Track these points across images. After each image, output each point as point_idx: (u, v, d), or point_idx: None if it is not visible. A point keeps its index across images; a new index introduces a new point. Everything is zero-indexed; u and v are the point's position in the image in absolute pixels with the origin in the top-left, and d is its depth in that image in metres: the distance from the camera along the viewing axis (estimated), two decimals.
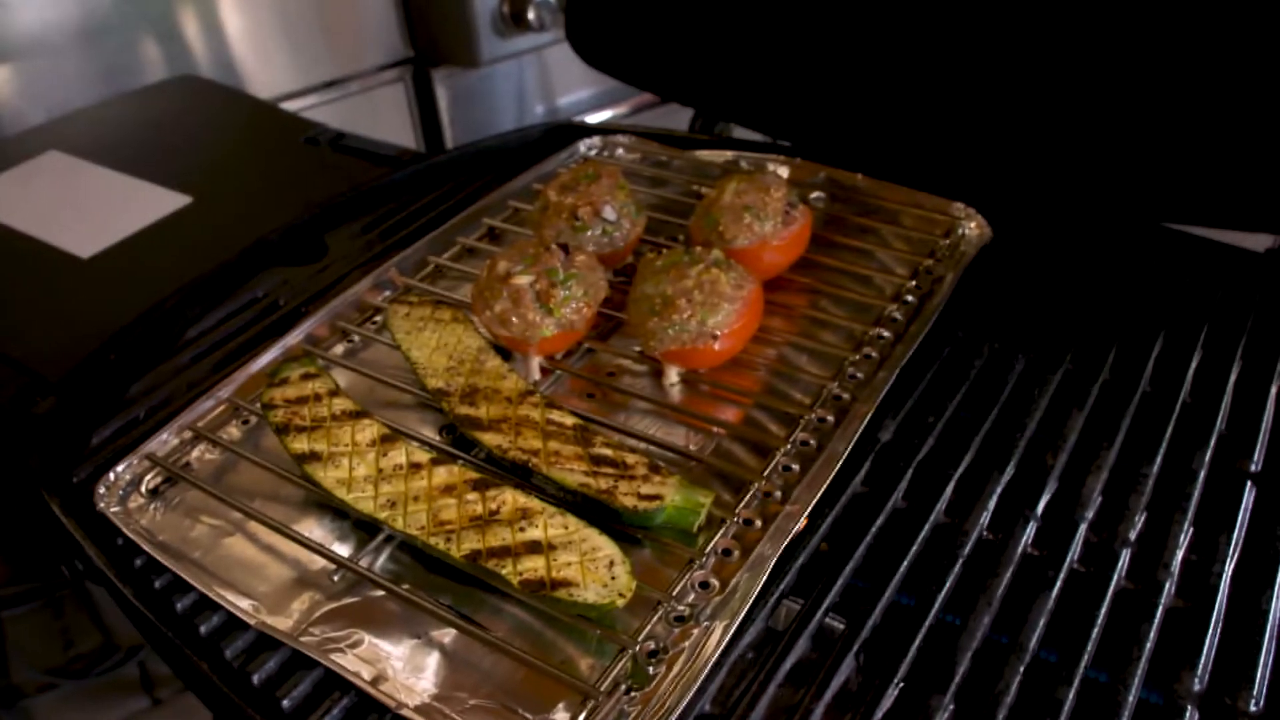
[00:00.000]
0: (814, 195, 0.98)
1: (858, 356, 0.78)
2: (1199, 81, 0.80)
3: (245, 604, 0.62)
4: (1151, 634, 0.59)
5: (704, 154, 1.05)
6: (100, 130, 1.31)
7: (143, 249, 1.02)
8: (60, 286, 0.98)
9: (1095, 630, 0.59)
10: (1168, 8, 0.79)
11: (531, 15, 1.76)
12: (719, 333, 0.73)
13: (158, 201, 1.09)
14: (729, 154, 1.05)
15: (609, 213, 0.84)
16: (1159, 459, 0.70)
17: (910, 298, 0.84)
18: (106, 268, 1.00)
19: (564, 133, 1.12)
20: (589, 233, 0.84)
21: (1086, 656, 0.57)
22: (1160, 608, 0.60)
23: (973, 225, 0.92)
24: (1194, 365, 0.78)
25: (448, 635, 0.60)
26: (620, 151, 1.09)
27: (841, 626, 0.60)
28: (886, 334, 0.80)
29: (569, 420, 0.70)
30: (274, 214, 1.03)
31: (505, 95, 1.91)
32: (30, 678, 1.68)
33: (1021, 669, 0.57)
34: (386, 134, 1.29)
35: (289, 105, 1.64)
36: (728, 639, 0.57)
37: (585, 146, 1.09)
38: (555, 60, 1.93)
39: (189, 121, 1.34)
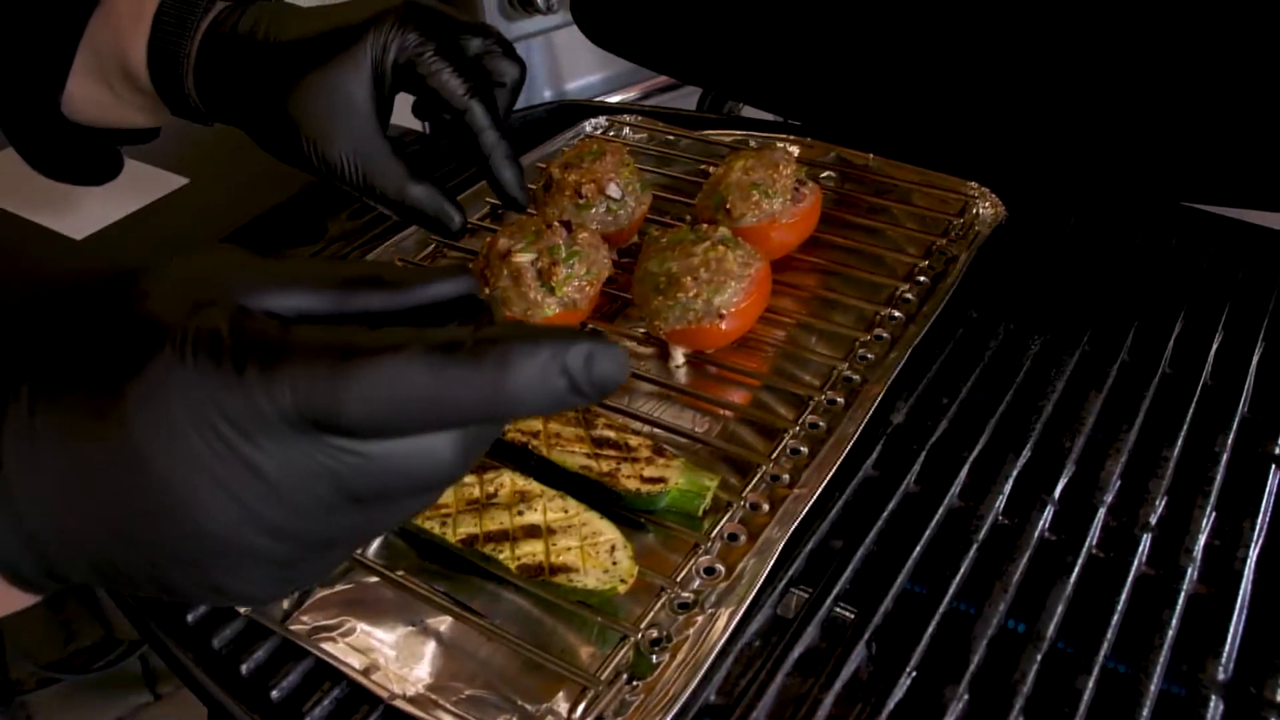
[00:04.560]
0: (824, 174, 0.96)
1: (869, 337, 0.76)
2: (1220, 56, 0.77)
3: None
4: (1174, 621, 0.57)
5: (712, 133, 1.03)
6: None
7: (137, 230, 1.00)
8: (52, 269, 0.96)
9: (1115, 617, 0.57)
10: None
11: None
12: (726, 311, 0.71)
13: (153, 182, 1.07)
14: (738, 133, 1.03)
15: (614, 190, 0.82)
16: (1180, 442, 0.67)
17: (923, 277, 0.82)
18: (100, 250, 0.98)
19: (569, 112, 1.10)
20: (593, 210, 0.82)
21: (1106, 645, 0.55)
22: (1183, 594, 0.58)
23: (987, 204, 0.90)
24: (1215, 347, 0.75)
25: (443, 623, 0.58)
26: (627, 131, 1.06)
27: (851, 616, 0.58)
28: (898, 314, 0.78)
29: None
30: (273, 195, 1.01)
31: None
32: (30, 672, 1.67)
33: (1039, 657, 0.55)
34: None
35: None
36: (733, 626, 0.55)
37: (591, 126, 1.06)
38: (563, 44, 1.90)
39: None
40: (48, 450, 0.32)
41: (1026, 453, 0.67)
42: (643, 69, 1.68)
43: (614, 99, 1.96)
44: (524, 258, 0.72)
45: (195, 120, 0.74)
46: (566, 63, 1.92)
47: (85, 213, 1.02)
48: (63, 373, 0.32)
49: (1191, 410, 0.70)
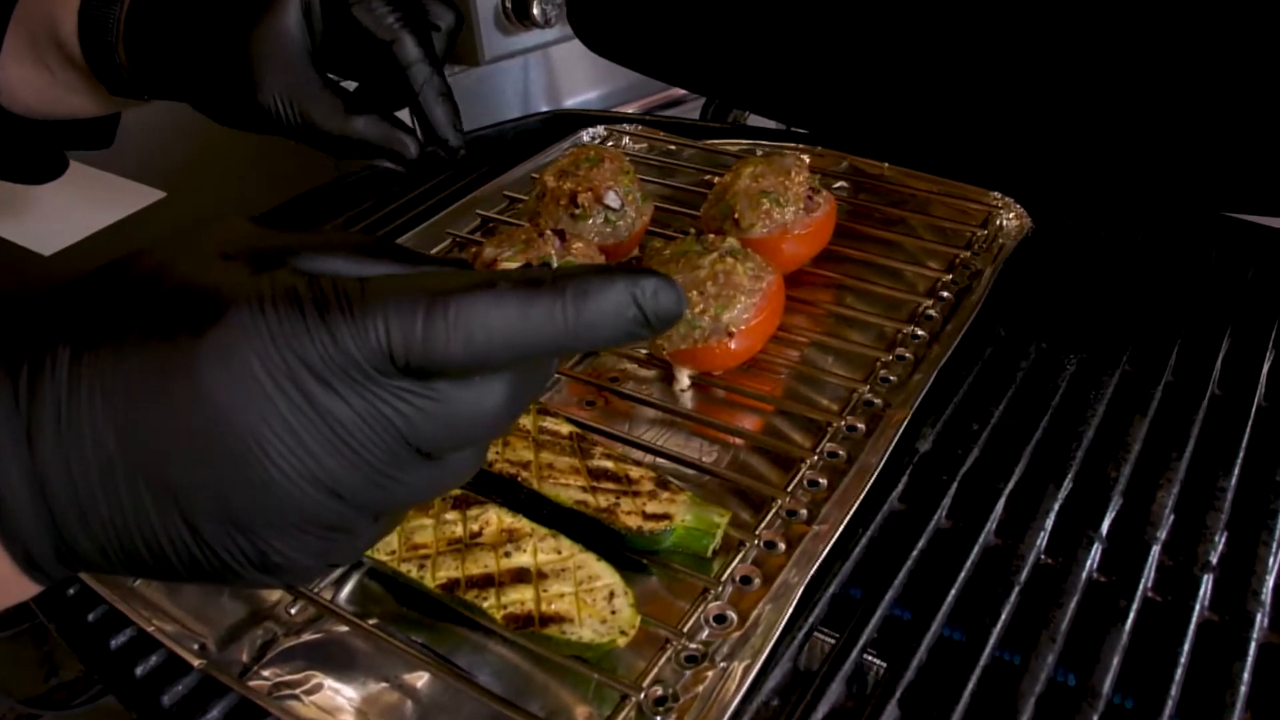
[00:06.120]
0: (837, 185, 0.90)
1: (890, 357, 0.70)
2: (1266, 48, 0.72)
3: (189, 641, 0.53)
4: (1245, 675, 0.50)
5: (717, 143, 0.97)
6: None
7: (109, 246, 0.95)
8: (19, 286, 0.91)
9: (1179, 671, 0.50)
10: None
11: (536, 11, 1.67)
12: (735, 329, 0.65)
13: (129, 196, 1.02)
14: (744, 142, 0.97)
15: (612, 199, 0.76)
16: (1236, 470, 0.61)
17: (946, 293, 0.76)
18: (69, 266, 0.92)
19: (565, 121, 1.05)
20: (590, 221, 0.76)
21: (1170, 702, 0.49)
22: (1253, 643, 0.52)
23: (1011, 215, 0.84)
24: (1267, 366, 0.70)
25: (420, 679, 0.52)
26: (626, 141, 1.01)
27: (881, 667, 0.51)
28: (921, 333, 0.72)
29: (565, 429, 0.61)
30: (255, 209, 0.96)
31: (509, 95, 1.83)
32: (9, 708, 1.61)
33: (1095, 717, 0.48)
34: None
35: None
36: (749, 683, 0.49)
37: (589, 136, 1.01)
38: (561, 58, 1.85)
39: (164, 113, 1.26)
40: (91, 410, 0.31)
41: (1068, 484, 0.61)
42: (643, 84, 1.63)
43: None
44: (510, 267, 0.66)
45: (130, 95, 0.70)
46: (565, 78, 1.87)
47: (54, 227, 0.97)
48: (108, 335, 0.31)
49: (1246, 435, 0.64)
